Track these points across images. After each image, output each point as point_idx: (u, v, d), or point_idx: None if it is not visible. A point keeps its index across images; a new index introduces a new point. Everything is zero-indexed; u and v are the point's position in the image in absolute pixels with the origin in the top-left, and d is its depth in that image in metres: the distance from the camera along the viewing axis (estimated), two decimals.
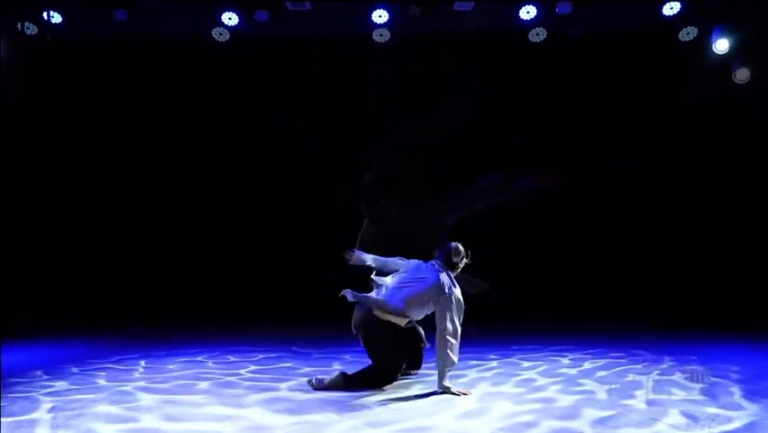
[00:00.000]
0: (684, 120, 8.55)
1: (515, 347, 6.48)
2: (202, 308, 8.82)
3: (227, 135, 9.45)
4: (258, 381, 5.09)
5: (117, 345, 6.83)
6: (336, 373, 4.87)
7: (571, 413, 3.98)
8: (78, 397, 4.54)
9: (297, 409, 4.18)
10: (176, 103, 9.14)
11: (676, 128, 8.70)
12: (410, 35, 8.03)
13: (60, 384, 4.97)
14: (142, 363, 5.86)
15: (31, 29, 7.67)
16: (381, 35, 7.79)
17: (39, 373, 5.40)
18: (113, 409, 4.22)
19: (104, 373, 5.37)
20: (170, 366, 5.68)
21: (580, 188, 8.94)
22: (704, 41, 7.70)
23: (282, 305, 8.89)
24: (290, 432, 3.67)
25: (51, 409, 4.18)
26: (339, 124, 9.16)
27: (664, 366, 5.37)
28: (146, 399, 4.48)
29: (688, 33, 7.55)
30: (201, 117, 9.26)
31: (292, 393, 4.64)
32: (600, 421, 3.80)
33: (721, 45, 7.46)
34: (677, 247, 8.84)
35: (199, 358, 6.09)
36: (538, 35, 7.71)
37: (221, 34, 7.77)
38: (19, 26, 7.60)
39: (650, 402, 4.22)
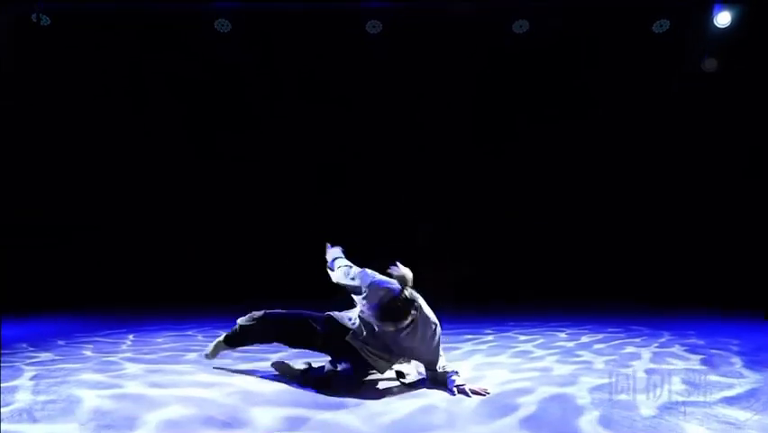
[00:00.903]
0: (685, 102, 8.45)
1: (511, 323, 6.37)
2: (195, 290, 8.73)
3: (225, 119, 9.33)
4: (248, 352, 4.96)
5: (107, 322, 6.71)
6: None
7: (569, 381, 3.88)
8: (63, 366, 4.42)
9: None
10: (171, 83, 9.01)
11: (676, 111, 8.59)
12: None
13: (45, 355, 4.85)
14: (131, 336, 5.74)
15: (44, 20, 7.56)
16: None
17: (24, 345, 5.28)
18: (97, 376, 4.10)
19: (90, 345, 5.25)
20: (159, 339, 5.56)
21: (578, 170, 8.87)
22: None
23: (276, 287, 8.80)
24: (279, 399, 3.55)
25: (33, 378, 4.06)
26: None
27: (663, 340, 5.27)
28: (132, 368, 4.36)
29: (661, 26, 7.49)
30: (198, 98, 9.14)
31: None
32: (598, 388, 3.69)
33: (723, 18, 7.31)
34: (678, 227, 8.74)
35: (189, 333, 5.96)
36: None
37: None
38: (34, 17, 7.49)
39: (649, 371, 4.11)
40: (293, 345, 4.19)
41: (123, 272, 8.95)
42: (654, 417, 3.13)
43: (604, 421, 3.06)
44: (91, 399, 3.54)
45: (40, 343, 5.38)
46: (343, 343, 3.83)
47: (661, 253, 8.62)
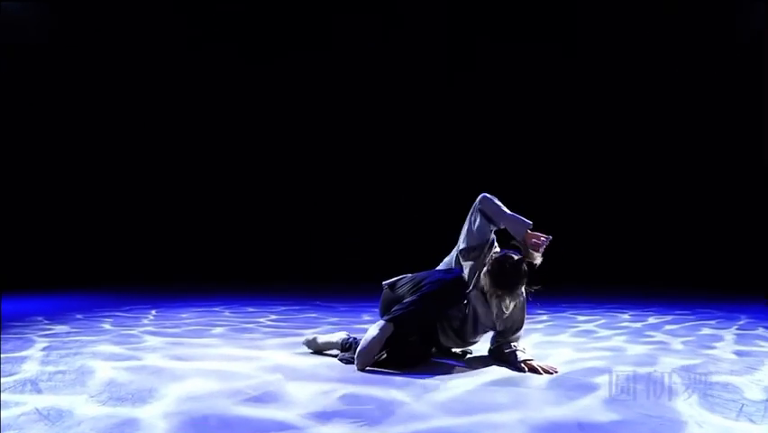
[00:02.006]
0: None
1: (564, 305, 5.84)
2: (221, 268, 8.42)
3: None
4: (278, 327, 4.53)
5: (129, 298, 6.34)
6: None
7: (648, 361, 3.35)
8: (78, 338, 4.04)
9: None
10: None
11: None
12: None
13: (61, 328, 4.47)
14: (153, 311, 5.35)
15: None
16: None
17: (40, 318, 4.92)
18: (114, 348, 3.70)
19: (110, 319, 4.87)
20: (183, 315, 5.15)
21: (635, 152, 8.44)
22: None
23: (305, 266, 8.46)
24: (316, 374, 3.09)
25: (45, 348, 3.67)
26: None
27: (741, 322, 4.71)
28: (153, 341, 3.95)
29: None
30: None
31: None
32: (686, 369, 3.16)
33: None
34: (732, 211, 8.16)
35: (216, 309, 5.55)
36: None
37: None
38: None
39: (740, 353, 3.56)
40: None
41: (148, 251, 8.66)
42: (766, 400, 2.60)
43: (707, 404, 2.54)
44: (105, 370, 3.13)
45: (57, 316, 5.02)
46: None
47: (710, 237, 8.05)
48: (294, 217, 9.11)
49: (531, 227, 3.19)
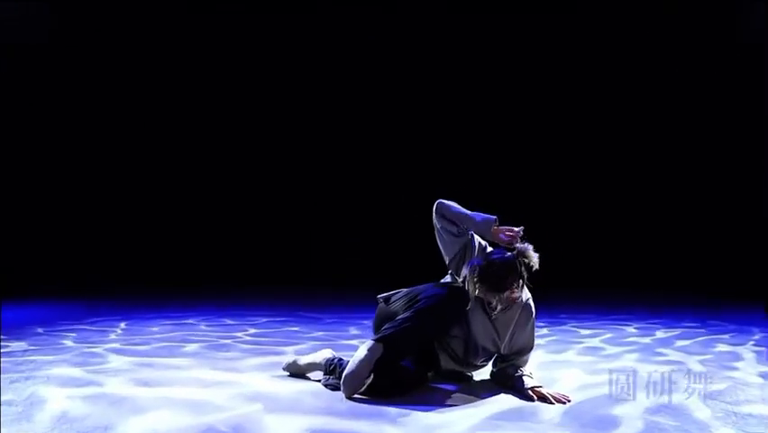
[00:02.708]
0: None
1: (564, 315, 5.51)
2: (198, 272, 8.03)
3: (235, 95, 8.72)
4: (258, 344, 4.15)
5: (98, 309, 5.89)
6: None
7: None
8: (34, 358, 3.63)
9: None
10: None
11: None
12: None
13: (17, 345, 4.04)
14: (122, 324, 4.92)
15: None
16: None
17: None
18: (73, 371, 3.30)
19: (73, 334, 4.44)
20: (154, 328, 4.74)
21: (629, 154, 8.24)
22: None
23: (289, 270, 8.10)
24: (300, 404, 2.72)
25: None
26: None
27: (757, 337, 4.41)
28: (117, 361, 3.55)
29: None
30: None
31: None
32: (711, 396, 2.84)
33: None
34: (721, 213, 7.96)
35: (190, 321, 5.14)
36: None
37: None
38: None
39: (765, 375, 3.25)
40: None
41: (121, 256, 8.25)
42: None
43: None
44: (58, 400, 2.74)
45: (15, 331, 4.58)
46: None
47: (715, 239, 7.81)
48: (287, 215, 8.78)
49: (496, 222, 2.89)
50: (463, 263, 2.95)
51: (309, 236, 8.60)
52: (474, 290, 2.82)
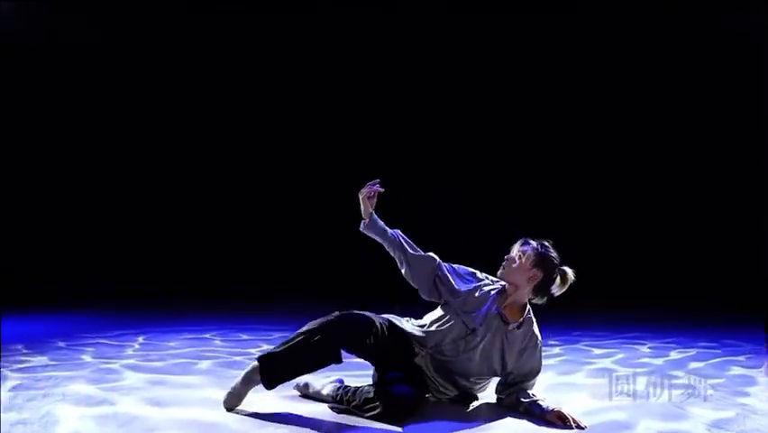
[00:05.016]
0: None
1: (577, 333, 5.48)
2: (219, 286, 8.13)
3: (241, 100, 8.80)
4: None
5: (119, 321, 6.01)
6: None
7: (676, 413, 3.01)
8: (53, 374, 3.72)
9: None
10: None
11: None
12: None
13: (39, 360, 4.16)
14: (140, 338, 5.02)
15: None
16: None
17: (19, 347, 4.61)
18: (88, 388, 3.38)
19: (92, 349, 4.55)
20: (171, 343, 4.83)
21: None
22: None
23: (307, 284, 8.15)
24: (305, 428, 2.76)
25: (14, 388, 3.37)
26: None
27: None
28: (132, 378, 3.64)
29: None
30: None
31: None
32: (718, 424, 2.82)
33: None
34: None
35: (206, 335, 5.23)
36: None
37: None
38: None
39: None
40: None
41: (145, 268, 8.39)
42: None
43: None
44: (71, 419, 2.82)
45: (37, 344, 4.71)
46: (405, 359, 3.02)
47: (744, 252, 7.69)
48: (301, 223, 8.83)
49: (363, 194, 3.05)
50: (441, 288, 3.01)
51: (327, 243, 8.59)
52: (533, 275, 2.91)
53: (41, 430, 2.68)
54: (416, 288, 3.08)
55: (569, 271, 2.93)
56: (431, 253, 3.09)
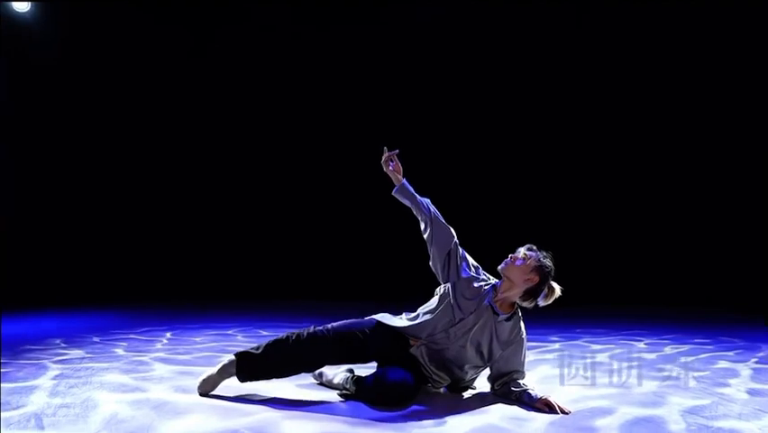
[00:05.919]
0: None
1: (579, 330, 5.75)
2: (243, 285, 8.48)
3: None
4: None
5: (148, 318, 6.42)
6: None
7: (655, 400, 3.28)
8: (91, 365, 4.10)
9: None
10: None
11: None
12: None
13: (76, 352, 4.55)
14: (168, 334, 5.41)
15: None
16: None
17: (57, 341, 5.02)
18: (122, 378, 3.75)
19: (124, 343, 4.94)
20: (197, 338, 5.21)
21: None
22: None
23: (325, 284, 8.46)
24: (316, 412, 3.09)
25: (56, 377, 3.74)
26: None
27: (761, 354, 4.57)
28: (161, 369, 4.00)
29: None
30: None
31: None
32: (692, 411, 3.09)
33: None
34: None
35: (229, 332, 5.60)
36: None
37: None
38: None
39: (751, 392, 3.46)
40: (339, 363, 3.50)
41: (172, 268, 8.76)
42: None
43: None
44: (109, 404, 3.17)
45: (74, 339, 5.11)
46: (401, 352, 3.32)
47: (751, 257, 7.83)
48: (322, 226, 9.09)
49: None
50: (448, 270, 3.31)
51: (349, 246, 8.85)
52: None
53: (84, 413, 3.03)
54: (431, 253, 3.36)
55: (557, 287, 3.25)
56: (452, 229, 3.39)
